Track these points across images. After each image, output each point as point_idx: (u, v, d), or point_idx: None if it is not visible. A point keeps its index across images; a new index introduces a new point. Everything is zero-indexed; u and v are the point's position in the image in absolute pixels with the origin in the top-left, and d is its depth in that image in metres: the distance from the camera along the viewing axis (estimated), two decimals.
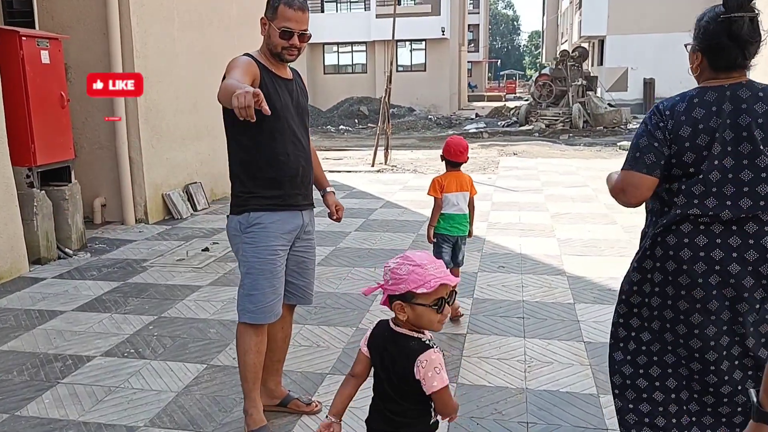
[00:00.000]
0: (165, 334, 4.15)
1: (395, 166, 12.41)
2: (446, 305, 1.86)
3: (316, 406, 3.16)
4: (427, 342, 1.88)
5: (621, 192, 2.24)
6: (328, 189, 3.21)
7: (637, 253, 2.32)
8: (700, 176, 2.13)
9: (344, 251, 6.12)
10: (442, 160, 4.33)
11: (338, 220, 3.18)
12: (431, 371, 1.81)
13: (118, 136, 7.09)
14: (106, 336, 4.14)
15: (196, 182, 8.35)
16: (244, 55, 2.80)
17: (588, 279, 5.13)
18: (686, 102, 2.16)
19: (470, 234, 4.42)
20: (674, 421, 2.29)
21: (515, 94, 48.11)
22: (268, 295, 2.80)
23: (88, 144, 7.20)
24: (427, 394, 1.83)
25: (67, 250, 6.06)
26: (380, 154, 12.71)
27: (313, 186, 3.11)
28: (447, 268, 4.50)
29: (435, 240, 4.30)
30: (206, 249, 6.19)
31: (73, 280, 5.33)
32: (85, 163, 7.11)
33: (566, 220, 7.27)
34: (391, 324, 1.91)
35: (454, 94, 33.01)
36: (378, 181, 10.63)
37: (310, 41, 2.95)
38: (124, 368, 3.67)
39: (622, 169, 2.25)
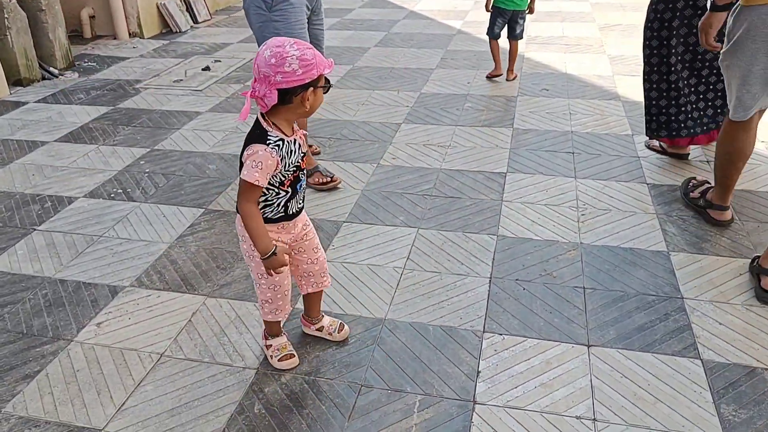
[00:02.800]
0: (158, 171, 3.61)
1: None
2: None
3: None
4: (273, 138, 1.78)
5: None
6: None
7: None
8: None
9: (362, 71, 5.35)
10: None
11: None
12: (249, 160, 1.75)
13: None
14: (92, 173, 3.61)
15: None
16: None
17: None
18: None
19: (531, 10, 4.68)
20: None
21: None
22: None
23: None
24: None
25: (51, 69, 5.37)
26: None
27: None
28: (496, 40, 4.84)
29: (492, 11, 4.69)
30: (207, 68, 5.46)
31: (57, 105, 4.71)
32: None
33: (617, 33, 6.32)
34: (261, 120, 1.80)
35: None
36: None
37: None
38: (109, 213, 3.17)
39: None
